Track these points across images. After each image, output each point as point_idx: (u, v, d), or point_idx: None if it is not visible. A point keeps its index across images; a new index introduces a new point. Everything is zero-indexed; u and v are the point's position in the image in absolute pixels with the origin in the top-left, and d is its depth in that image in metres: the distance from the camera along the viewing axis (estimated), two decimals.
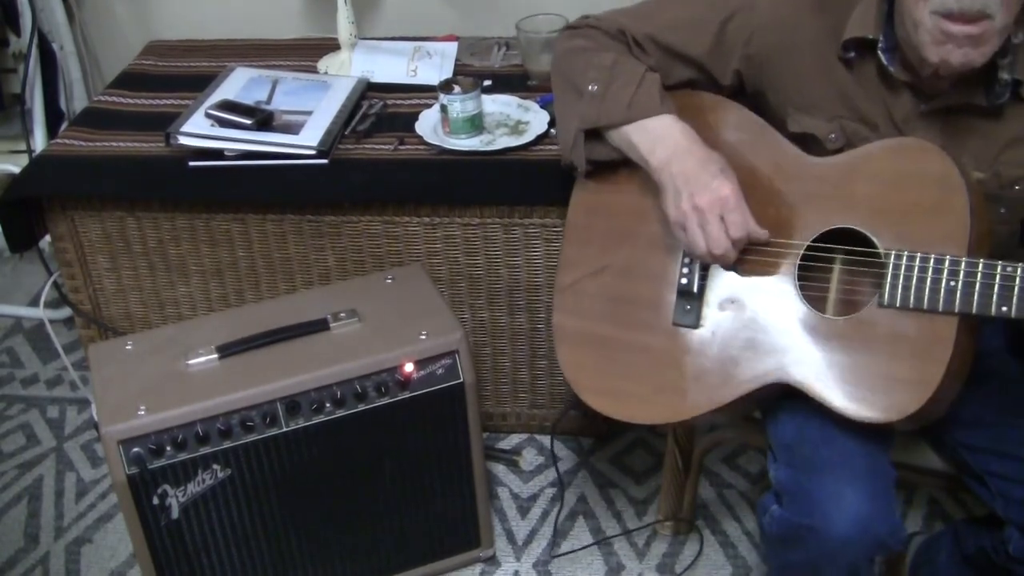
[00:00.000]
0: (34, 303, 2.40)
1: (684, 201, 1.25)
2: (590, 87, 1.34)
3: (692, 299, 1.33)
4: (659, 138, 1.30)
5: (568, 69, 1.39)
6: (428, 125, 1.80)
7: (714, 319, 1.31)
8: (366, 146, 1.79)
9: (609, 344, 1.37)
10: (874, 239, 1.21)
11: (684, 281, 1.33)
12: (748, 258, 1.29)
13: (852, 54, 1.26)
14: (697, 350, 1.31)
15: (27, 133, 2.14)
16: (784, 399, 1.28)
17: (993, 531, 1.32)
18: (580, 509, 1.85)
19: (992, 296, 1.12)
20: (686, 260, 1.33)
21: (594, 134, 1.36)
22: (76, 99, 2.25)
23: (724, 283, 1.31)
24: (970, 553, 1.40)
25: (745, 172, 1.29)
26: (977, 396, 1.31)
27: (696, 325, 1.32)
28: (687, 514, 1.77)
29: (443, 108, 1.75)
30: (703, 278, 1.32)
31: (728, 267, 1.29)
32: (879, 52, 1.24)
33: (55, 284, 1.97)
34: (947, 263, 1.15)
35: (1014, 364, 1.34)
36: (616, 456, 1.96)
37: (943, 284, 1.15)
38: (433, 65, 2.03)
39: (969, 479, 1.32)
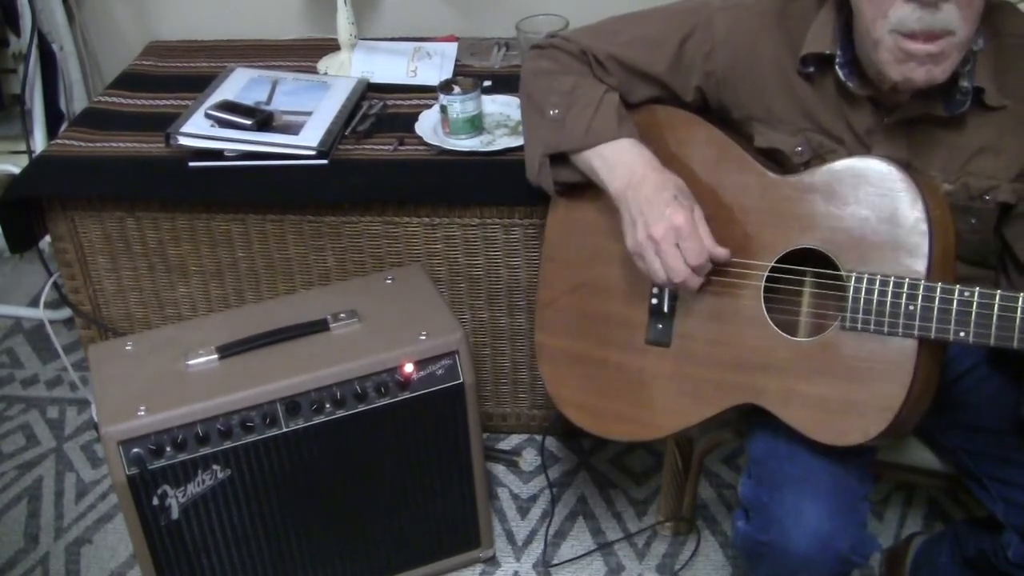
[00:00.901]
0: (34, 303, 2.40)
1: (639, 231, 1.25)
2: (551, 112, 1.35)
3: (663, 318, 1.33)
4: (616, 164, 1.30)
5: (533, 90, 1.40)
6: (428, 125, 1.80)
7: (685, 338, 1.31)
8: (366, 146, 1.79)
9: (587, 361, 1.38)
10: (837, 260, 1.20)
11: (655, 301, 1.34)
12: (716, 278, 1.28)
13: (811, 69, 1.26)
14: (669, 369, 1.32)
15: (27, 133, 2.14)
16: (760, 414, 1.28)
17: (993, 534, 1.32)
18: (580, 510, 1.85)
19: (950, 321, 1.12)
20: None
21: (560, 157, 1.37)
22: (76, 100, 2.25)
23: (694, 302, 1.31)
24: (971, 555, 1.40)
25: (709, 191, 1.30)
26: (977, 400, 1.31)
27: (668, 344, 1.33)
28: (687, 514, 1.77)
29: (443, 108, 1.75)
30: (673, 298, 1.33)
31: (693, 291, 1.28)
32: (837, 67, 1.23)
33: (55, 284, 1.97)
34: (906, 285, 1.14)
35: (1002, 372, 1.34)
36: (616, 456, 1.96)
37: (903, 307, 1.14)
38: (433, 65, 2.03)
39: (969, 481, 1.32)
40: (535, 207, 1.70)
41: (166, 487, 1.43)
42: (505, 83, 1.95)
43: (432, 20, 2.21)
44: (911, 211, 1.16)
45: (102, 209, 1.80)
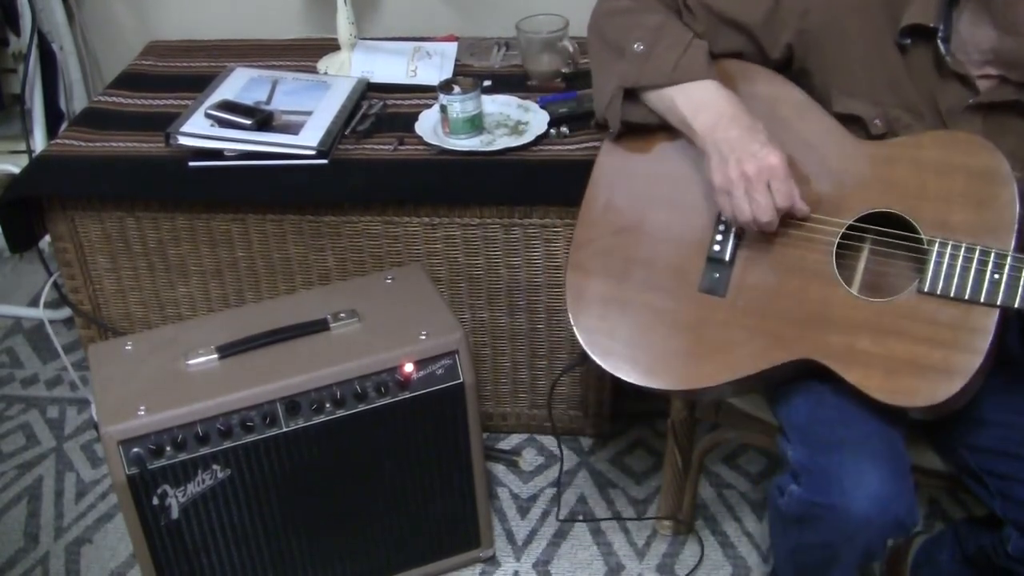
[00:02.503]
0: (34, 303, 2.40)
1: (732, 168, 1.23)
2: (635, 46, 1.32)
3: (722, 267, 1.31)
4: (703, 103, 1.28)
5: (610, 28, 1.37)
6: (428, 125, 1.80)
7: (744, 289, 1.30)
8: (366, 146, 1.79)
9: (627, 305, 1.35)
10: (917, 225, 1.21)
11: (717, 248, 1.32)
12: (786, 232, 1.27)
13: (908, 40, 1.25)
14: (722, 319, 1.30)
15: (27, 133, 2.14)
16: (795, 380, 1.27)
17: (993, 531, 1.32)
18: (580, 509, 1.85)
19: None
20: (721, 227, 1.32)
21: (631, 96, 1.34)
22: (76, 99, 2.25)
23: (758, 254, 1.30)
24: (971, 553, 1.41)
25: (788, 147, 1.28)
26: (979, 394, 1.31)
27: (724, 294, 1.31)
28: (687, 514, 1.77)
29: (443, 108, 1.75)
30: (736, 246, 1.31)
31: (770, 229, 1.26)
32: (938, 41, 1.23)
33: (55, 284, 1.97)
34: (992, 255, 1.15)
35: (1015, 363, 1.34)
36: (616, 456, 1.96)
37: (988, 276, 1.15)
38: (433, 65, 2.03)
39: (968, 479, 1.32)
40: (535, 207, 1.70)
41: (166, 487, 1.43)
42: (505, 83, 1.95)
43: (432, 20, 2.21)
44: (1000, 186, 1.17)
45: (102, 209, 1.80)
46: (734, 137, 1.24)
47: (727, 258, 1.31)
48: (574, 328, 1.37)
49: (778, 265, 1.29)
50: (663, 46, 1.31)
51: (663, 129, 1.35)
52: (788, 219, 1.26)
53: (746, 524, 1.80)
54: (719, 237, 1.32)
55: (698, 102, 1.29)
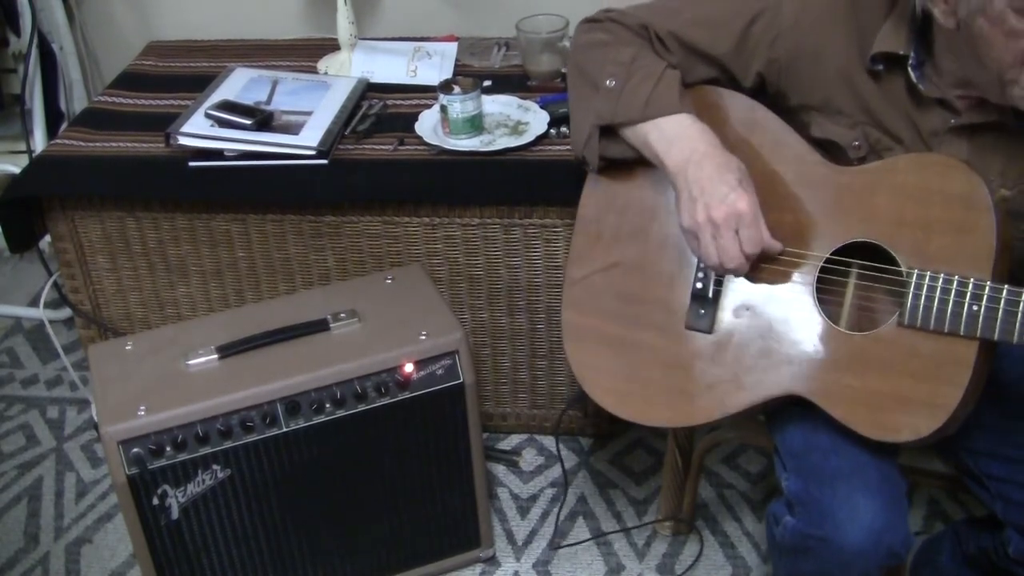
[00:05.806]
0: (34, 303, 2.40)
1: (699, 211, 1.22)
2: (607, 82, 1.31)
3: (706, 304, 1.31)
4: (676, 139, 1.26)
5: (585, 62, 1.36)
6: (428, 125, 1.80)
7: (728, 325, 1.30)
8: (366, 146, 1.79)
9: (619, 343, 1.35)
10: (895, 255, 1.19)
11: (699, 285, 1.32)
12: (767, 266, 1.27)
13: (880, 67, 1.23)
14: (709, 356, 1.30)
15: (27, 133, 2.14)
16: (792, 406, 1.27)
17: (993, 532, 1.32)
18: (580, 509, 1.85)
19: (1015, 323, 1.10)
20: (702, 264, 1.32)
21: (609, 130, 1.34)
22: (76, 99, 2.25)
23: (740, 289, 1.30)
24: (971, 554, 1.41)
25: (765, 176, 1.27)
26: (984, 396, 1.31)
27: (710, 330, 1.31)
28: (687, 514, 1.77)
29: (443, 108, 1.75)
30: (719, 283, 1.31)
31: (739, 276, 1.27)
32: (909, 68, 1.20)
33: (55, 284, 1.97)
34: (971, 286, 1.12)
35: (1015, 367, 1.34)
36: (616, 456, 1.96)
37: (966, 307, 1.13)
38: (433, 65, 2.03)
39: (969, 481, 1.32)
40: (535, 207, 1.70)
41: (166, 487, 1.43)
42: (505, 83, 1.95)
43: (432, 20, 2.21)
44: (977, 212, 1.15)
45: (102, 209, 1.80)
46: (704, 177, 1.22)
47: (710, 295, 1.31)
48: (571, 367, 1.38)
49: (761, 300, 1.28)
50: (635, 80, 1.29)
51: (646, 161, 1.34)
52: (765, 255, 1.25)
53: (746, 524, 1.80)
54: (700, 274, 1.32)
55: (671, 137, 1.27)
